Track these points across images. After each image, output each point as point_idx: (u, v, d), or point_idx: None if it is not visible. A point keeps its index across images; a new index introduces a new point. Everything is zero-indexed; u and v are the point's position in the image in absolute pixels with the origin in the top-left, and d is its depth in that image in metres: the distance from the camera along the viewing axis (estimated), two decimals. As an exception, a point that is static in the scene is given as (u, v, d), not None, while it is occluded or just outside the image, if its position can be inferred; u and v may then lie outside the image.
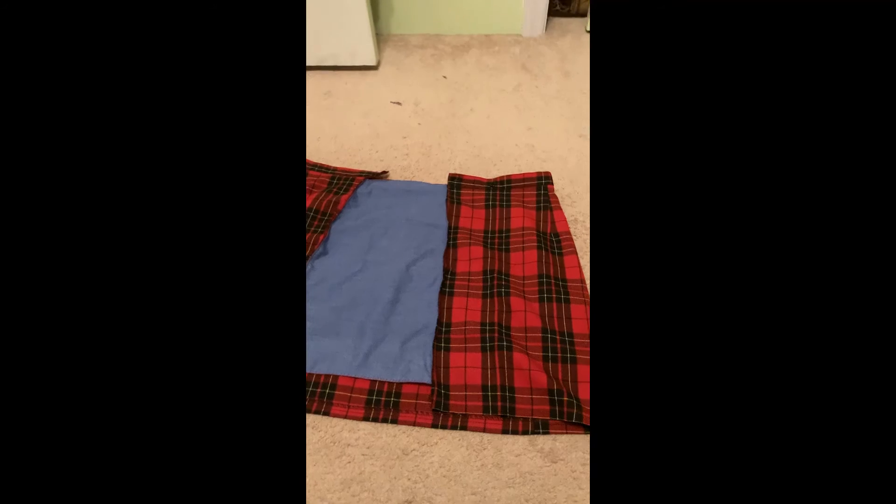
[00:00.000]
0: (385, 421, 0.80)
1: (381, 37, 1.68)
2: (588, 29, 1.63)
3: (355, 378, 0.84)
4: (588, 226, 1.06)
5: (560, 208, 1.07)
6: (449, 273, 0.98)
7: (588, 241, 1.03)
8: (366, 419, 0.80)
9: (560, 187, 1.14)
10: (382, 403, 0.81)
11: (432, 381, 0.82)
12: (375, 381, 0.84)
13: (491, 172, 1.19)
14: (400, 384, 0.83)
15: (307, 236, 1.03)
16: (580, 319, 0.89)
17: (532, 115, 1.35)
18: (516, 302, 0.91)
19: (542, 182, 1.12)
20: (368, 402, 0.82)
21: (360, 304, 0.93)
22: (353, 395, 0.82)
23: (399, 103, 1.42)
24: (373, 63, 1.52)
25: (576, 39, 1.61)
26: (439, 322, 0.90)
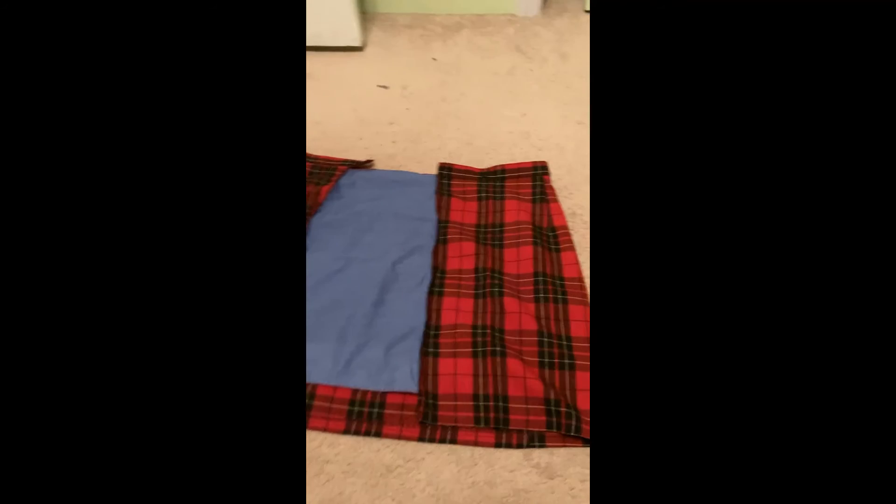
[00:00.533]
0: (368, 434, 0.73)
1: (366, 16, 1.58)
2: (587, 9, 1.55)
3: (335, 387, 0.78)
4: (587, 220, 0.99)
5: (557, 200, 1.00)
6: (438, 271, 0.91)
7: (587, 235, 0.96)
8: (347, 432, 0.73)
9: (557, 177, 1.07)
10: (365, 415, 0.75)
11: (419, 390, 0.76)
12: (357, 390, 0.77)
13: (483, 162, 1.12)
14: (384, 393, 0.77)
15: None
16: (579, 322, 0.83)
17: (527, 100, 1.27)
18: (510, 303, 0.85)
19: (538, 172, 1.05)
20: (350, 413, 0.75)
21: (341, 306, 0.86)
22: (334, 405, 0.76)
23: (386, 87, 1.33)
24: (358, 44, 1.43)
25: (573, 19, 1.53)
26: (427, 325, 0.84)
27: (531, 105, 1.26)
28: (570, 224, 0.98)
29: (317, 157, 1.12)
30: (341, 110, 1.27)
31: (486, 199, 1.03)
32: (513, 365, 0.77)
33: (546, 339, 0.80)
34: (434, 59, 1.42)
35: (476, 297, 0.87)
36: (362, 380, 0.78)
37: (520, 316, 0.83)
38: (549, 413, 0.73)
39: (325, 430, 0.74)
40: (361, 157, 1.14)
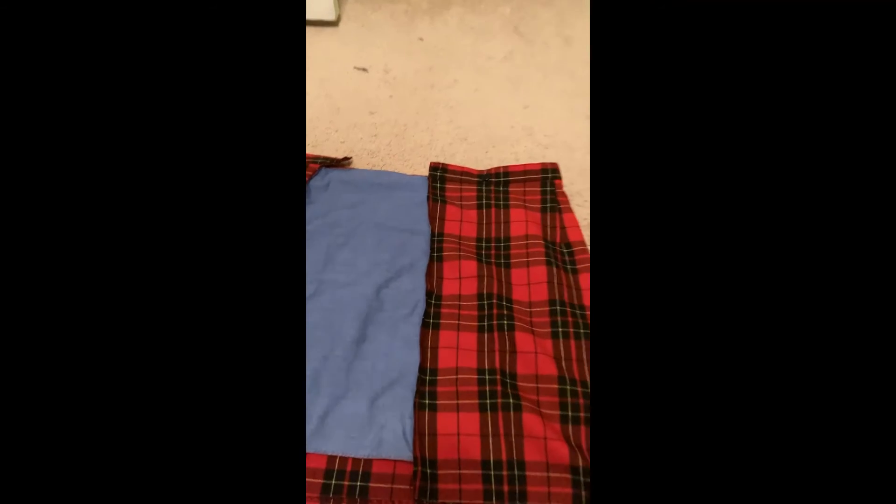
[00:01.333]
0: (349, 517, 0.57)
1: (341, -14, 1.38)
2: (589, -12, 1.39)
3: (307, 453, 0.61)
4: (606, 233, 0.84)
5: (571, 210, 0.85)
6: (433, 297, 0.75)
7: (607, 253, 0.82)
8: (321, 516, 0.57)
9: (568, 182, 0.92)
10: (345, 490, 0.59)
11: (414, 456, 0.60)
12: (335, 456, 0.61)
13: (482, 161, 0.96)
14: (369, 461, 0.61)
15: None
16: (606, 363, 0.68)
17: (529, 89, 1.11)
18: (523, 339, 0.70)
19: (549, 176, 0.89)
20: (326, 487, 0.59)
21: (313, 344, 0.69)
22: (306, 477, 0.59)
23: (365, 70, 1.15)
24: (331, 18, 1.23)
25: None
26: (422, 368, 0.68)
27: (534, 96, 1.10)
28: (586, 238, 0.83)
29: (282, 153, 0.93)
30: (312, 96, 1.08)
31: (488, 206, 0.87)
32: (530, 421, 0.62)
33: (569, 388, 0.66)
34: (421, 38, 1.24)
35: (480, 330, 0.71)
36: (340, 443, 0.62)
37: (535, 356, 0.68)
38: (575, 484, 0.58)
39: (292, 513, 0.57)
40: (337, 154, 0.96)
